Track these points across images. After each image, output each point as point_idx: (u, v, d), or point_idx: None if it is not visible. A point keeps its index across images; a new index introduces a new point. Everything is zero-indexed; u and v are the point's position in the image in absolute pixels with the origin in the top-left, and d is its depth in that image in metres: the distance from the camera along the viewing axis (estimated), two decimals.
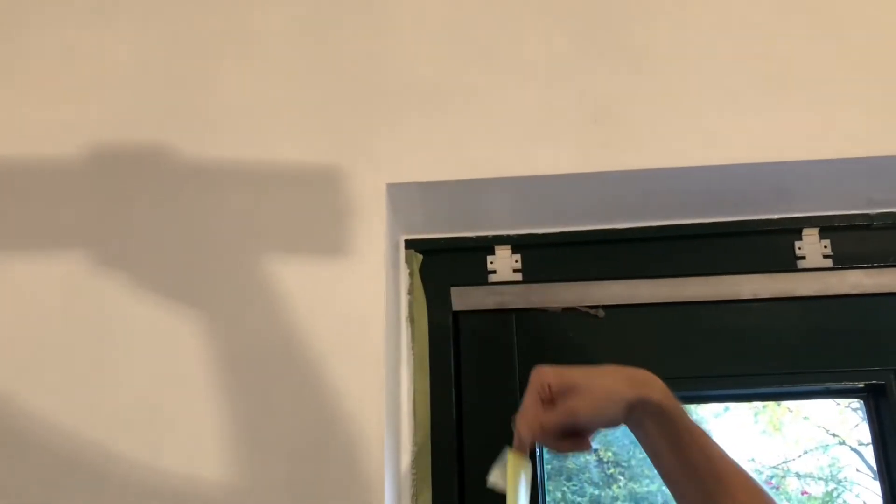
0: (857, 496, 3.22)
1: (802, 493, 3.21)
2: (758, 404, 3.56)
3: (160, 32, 1.01)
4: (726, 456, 0.74)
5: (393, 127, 0.94)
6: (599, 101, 0.93)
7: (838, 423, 3.37)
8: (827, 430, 3.52)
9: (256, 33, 1.00)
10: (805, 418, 3.59)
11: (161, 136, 0.96)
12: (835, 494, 3.20)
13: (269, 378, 0.87)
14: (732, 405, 3.55)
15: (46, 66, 1.02)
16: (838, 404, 3.52)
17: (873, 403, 0.97)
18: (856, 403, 3.42)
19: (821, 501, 3.15)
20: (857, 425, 3.39)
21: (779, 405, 3.59)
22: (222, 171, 0.94)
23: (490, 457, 0.95)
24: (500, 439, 0.95)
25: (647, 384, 0.74)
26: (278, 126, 0.96)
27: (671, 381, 0.97)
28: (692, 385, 0.98)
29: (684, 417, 0.74)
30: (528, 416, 0.71)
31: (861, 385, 0.96)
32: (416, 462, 0.94)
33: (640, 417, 0.72)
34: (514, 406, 0.90)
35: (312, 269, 0.90)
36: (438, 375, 0.99)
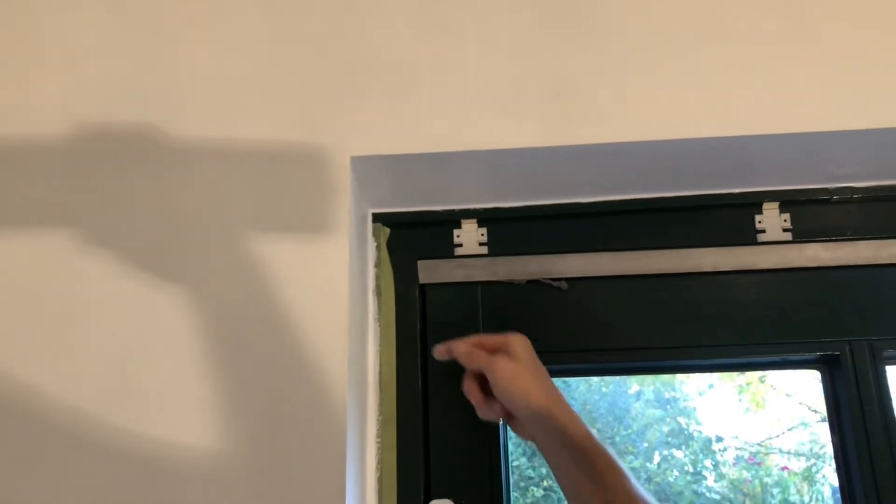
0: (834, 471, 3.25)
1: (782, 469, 3.26)
2: (741, 381, 3.60)
3: (127, 9, 1.02)
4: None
5: (358, 101, 0.95)
6: (562, 76, 0.94)
7: (821, 399, 3.40)
8: (809, 407, 3.56)
9: (221, 9, 1.01)
10: (788, 395, 3.64)
11: (128, 113, 0.97)
12: (814, 470, 3.25)
13: (238, 347, 0.88)
14: (716, 382, 3.59)
15: (13, 42, 1.02)
16: (821, 386, 3.55)
17: (829, 374, 0.99)
18: None
19: (800, 477, 3.20)
20: None
21: (762, 382, 3.63)
22: (190, 145, 0.95)
23: (455, 427, 0.98)
24: (464, 409, 0.97)
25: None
26: (244, 101, 0.97)
27: (633, 351, 1.00)
28: (653, 355, 1.00)
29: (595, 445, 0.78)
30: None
31: (817, 356, 0.98)
32: (381, 431, 0.96)
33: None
34: None
35: (280, 242, 0.92)
36: (405, 347, 1.01)
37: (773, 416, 3.36)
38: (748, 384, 3.44)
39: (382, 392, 0.98)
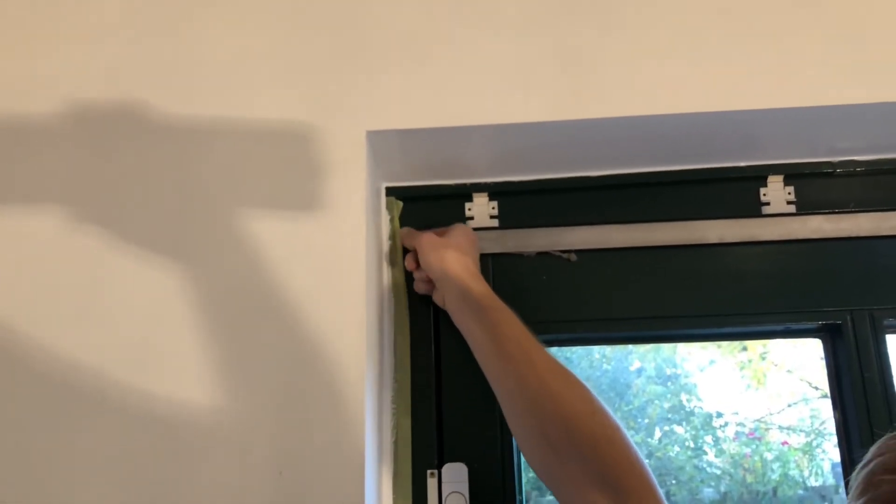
0: (834, 446, 3.29)
1: (783, 444, 3.29)
2: (743, 358, 3.63)
3: None
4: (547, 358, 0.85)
5: (372, 76, 0.97)
6: (570, 51, 0.96)
7: (821, 375, 3.42)
8: (810, 384, 3.59)
9: None
10: (789, 371, 3.67)
11: (142, 90, 0.99)
12: (814, 445, 3.29)
13: (256, 319, 0.91)
14: (718, 358, 3.62)
15: (27, 18, 1.04)
16: (822, 359, 3.57)
17: (830, 343, 1.02)
18: None
19: (800, 451, 3.24)
20: None
21: (763, 359, 3.66)
22: (204, 121, 0.97)
23: (468, 393, 1.00)
24: (476, 375, 1.00)
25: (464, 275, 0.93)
26: (260, 77, 0.99)
27: (640, 321, 1.03)
28: (660, 325, 1.03)
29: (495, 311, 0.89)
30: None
31: (819, 325, 1.01)
32: (396, 398, 0.99)
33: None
34: None
35: (296, 216, 0.94)
36: (418, 317, 1.03)
37: (774, 392, 3.39)
38: (749, 361, 3.47)
39: (397, 360, 1.00)
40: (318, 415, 0.88)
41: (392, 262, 1.04)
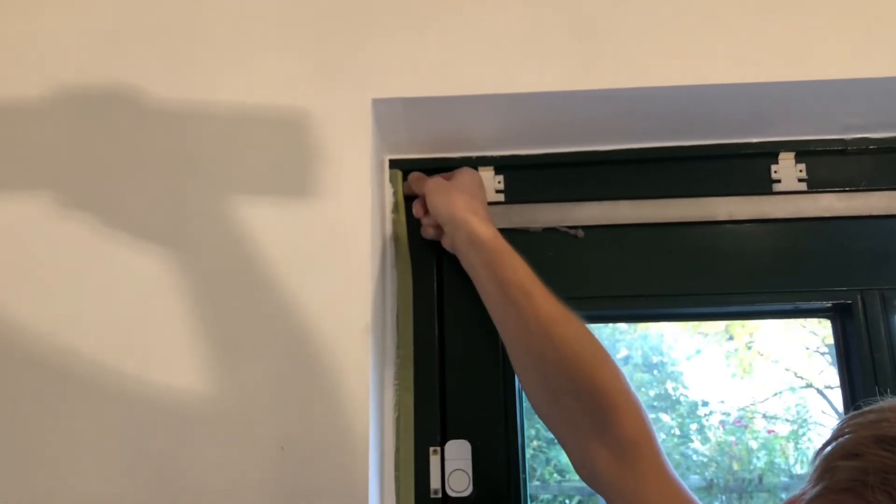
0: (819, 435, 3.33)
1: (769, 432, 3.31)
2: (730, 347, 3.63)
3: None
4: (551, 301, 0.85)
5: (378, 42, 0.94)
6: (584, 20, 0.94)
7: (806, 366, 3.46)
8: (795, 374, 3.61)
9: None
10: (775, 361, 3.68)
11: (142, 57, 0.95)
12: (800, 433, 3.31)
13: (257, 294, 0.88)
14: (704, 347, 3.62)
15: None
16: (807, 349, 3.60)
17: (840, 322, 1.01)
18: (824, 348, 3.51)
19: (786, 439, 3.26)
20: (822, 371, 3.48)
21: (749, 349, 3.67)
22: (208, 87, 0.94)
23: (471, 370, 0.98)
24: (480, 352, 0.98)
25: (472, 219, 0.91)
26: (264, 43, 0.95)
27: (647, 298, 1.01)
28: (668, 302, 1.01)
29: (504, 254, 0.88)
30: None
31: (829, 304, 1.00)
32: (399, 374, 0.97)
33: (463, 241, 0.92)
34: (493, 330, 0.93)
35: (299, 187, 0.91)
36: (421, 293, 1.01)
37: (760, 381, 3.41)
38: (735, 350, 3.49)
39: (400, 335, 0.98)
40: (321, 391, 0.85)
41: (396, 239, 1.01)
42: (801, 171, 1.01)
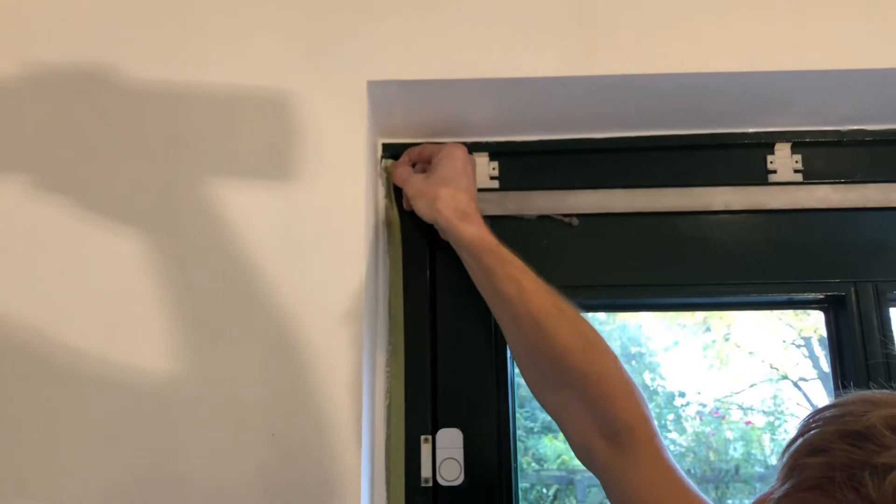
0: (794, 426, 3.37)
1: (746, 423, 3.34)
2: (707, 339, 3.65)
3: None
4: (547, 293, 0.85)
5: (375, 22, 0.92)
6: (583, 5, 0.92)
7: (782, 359, 3.49)
8: (772, 366, 3.65)
9: None
10: (751, 353, 3.71)
11: (131, 37, 0.92)
12: (776, 424, 3.34)
13: (248, 279, 0.86)
14: (682, 339, 3.63)
15: None
16: (784, 342, 3.63)
17: (833, 314, 1.01)
18: (800, 341, 3.54)
19: (762, 431, 3.29)
20: (797, 363, 3.52)
21: (726, 340, 3.69)
22: (199, 67, 0.92)
23: (463, 357, 0.97)
24: (472, 340, 0.97)
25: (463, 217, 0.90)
26: (255, 18, 0.93)
27: (641, 287, 1.00)
28: (662, 292, 1.00)
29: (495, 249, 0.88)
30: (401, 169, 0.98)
31: (822, 296, 0.99)
32: (390, 361, 0.95)
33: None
34: (486, 309, 0.92)
35: (292, 169, 0.89)
36: (413, 279, 0.99)
37: (737, 372, 3.44)
38: (713, 342, 3.51)
39: (392, 322, 0.96)
40: (312, 379, 0.84)
41: (389, 224, 0.99)
42: (796, 161, 1.01)
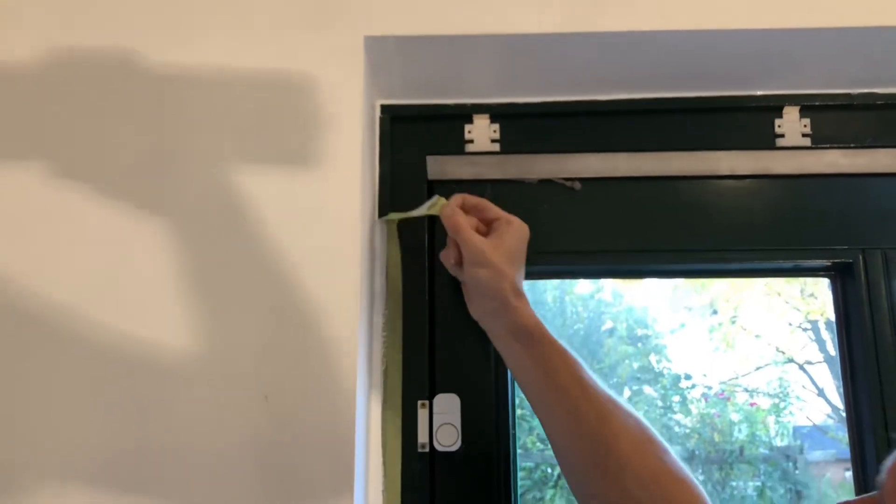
0: (801, 409, 3.35)
1: (751, 405, 3.33)
2: (714, 322, 3.63)
3: None
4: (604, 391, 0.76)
5: None
6: None
7: (789, 342, 3.47)
8: (778, 349, 3.63)
9: None
10: (757, 336, 3.70)
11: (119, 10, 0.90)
12: (781, 407, 3.33)
13: (243, 243, 0.84)
14: (688, 322, 3.61)
15: None
16: (790, 325, 3.61)
17: (840, 282, 0.99)
18: (807, 324, 3.52)
19: (767, 413, 3.28)
20: (804, 347, 3.50)
21: (733, 323, 3.68)
22: (183, 25, 0.90)
23: (460, 323, 0.95)
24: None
25: (519, 298, 0.81)
26: None
27: (644, 253, 0.98)
28: (665, 258, 0.98)
29: (552, 341, 0.78)
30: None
31: (829, 263, 0.97)
32: (386, 326, 0.93)
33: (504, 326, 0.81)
34: None
35: (285, 131, 0.87)
36: (411, 244, 0.97)
37: (742, 355, 3.43)
38: (720, 325, 3.49)
39: (389, 288, 0.95)
40: (307, 342, 0.82)
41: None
42: (805, 126, 0.98)
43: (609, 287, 3.44)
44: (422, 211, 0.86)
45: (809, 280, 3.35)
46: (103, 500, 0.79)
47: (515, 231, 0.84)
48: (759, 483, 2.92)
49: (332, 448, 0.80)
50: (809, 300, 3.40)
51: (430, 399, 0.93)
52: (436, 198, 0.85)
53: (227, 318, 0.83)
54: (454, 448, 0.91)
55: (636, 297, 3.41)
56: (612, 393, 0.77)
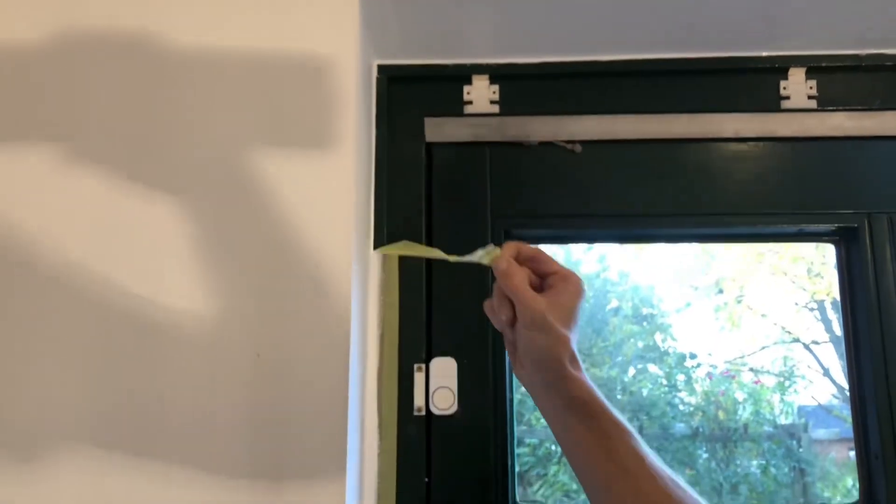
0: (805, 388, 3.34)
1: (755, 383, 3.32)
2: (719, 301, 3.61)
3: None
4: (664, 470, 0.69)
5: None
6: None
7: (795, 322, 3.46)
8: (783, 328, 3.61)
9: None
10: (763, 316, 3.68)
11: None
12: (786, 385, 3.32)
13: (237, 199, 0.83)
14: (694, 301, 3.60)
15: None
16: (796, 304, 3.60)
17: (845, 247, 0.97)
18: (812, 304, 3.50)
19: (772, 391, 3.27)
20: (809, 327, 3.48)
21: (739, 303, 3.66)
22: None
23: (457, 288, 0.94)
24: (467, 268, 0.93)
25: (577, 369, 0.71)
26: None
27: (646, 217, 0.96)
28: (668, 223, 0.96)
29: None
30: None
31: (834, 228, 0.96)
32: (383, 289, 0.92)
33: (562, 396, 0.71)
34: (483, 241, 0.89)
35: (280, 86, 0.85)
36: (409, 208, 0.96)
37: (748, 334, 3.41)
38: (725, 304, 3.48)
39: (385, 251, 0.93)
40: (301, 301, 0.81)
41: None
42: (811, 87, 0.96)
43: (615, 266, 3.43)
44: (474, 259, 0.75)
45: (816, 259, 3.33)
46: (95, 454, 0.78)
47: (573, 289, 0.74)
48: (763, 461, 2.91)
49: (324, 407, 0.78)
50: (816, 280, 3.38)
51: (427, 363, 0.92)
52: (491, 246, 0.75)
53: (222, 275, 0.81)
54: (451, 412, 0.90)
55: (642, 276, 3.39)
56: (668, 469, 0.70)
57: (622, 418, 0.70)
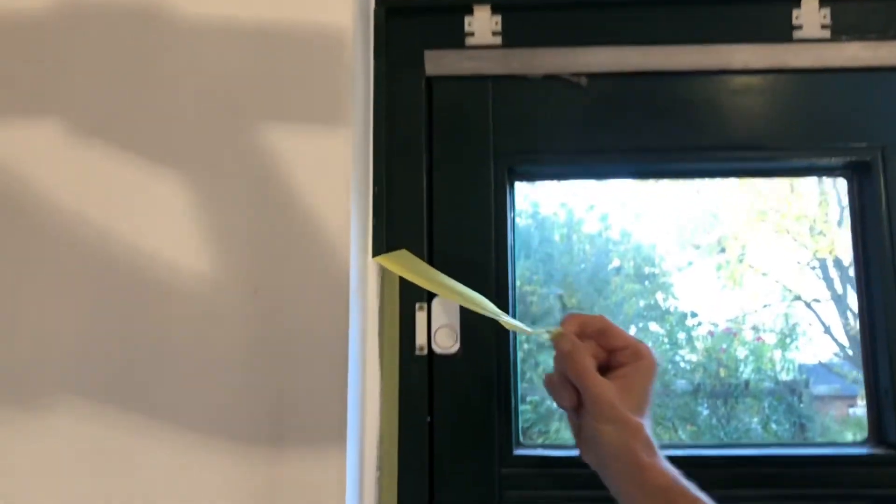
0: (806, 346, 3.34)
1: (757, 340, 3.32)
2: (721, 259, 3.62)
3: None
4: None
5: None
6: None
7: (796, 280, 3.46)
8: (784, 287, 3.62)
9: None
10: (764, 275, 3.69)
11: None
12: (788, 342, 3.32)
13: (231, 128, 0.81)
14: (696, 260, 3.61)
15: None
16: (798, 263, 3.60)
17: (856, 182, 0.94)
18: (815, 262, 3.50)
19: (773, 347, 3.27)
20: (812, 285, 3.49)
21: (741, 262, 3.66)
22: None
23: (459, 222, 0.92)
24: (469, 205, 0.91)
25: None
26: None
27: (653, 153, 0.94)
28: (675, 158, 0.94)
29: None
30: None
31: (846, 161, 0.93)
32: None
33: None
34: (485, 183, 0.86)
35: (275, 21, 0.82)
36: (408, 146, 0.94)
37: (750, 293, 3.40)
38: (727, 262, 3.46)
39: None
40: (299, 235, 0.79)
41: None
42: (824, 16, 0.93)
43: (617, 225, 3.41)
44: (535, 330, 0.71)
45: (818, 217, 3.31)
46: (91, 405, 0.76)
47: (647, 368, 0.67)
48: (763, 416, 2.92)
49: (322, 342, 0.77)
50: (818, 238, 3.36)
51: (429, 301, 0.90)
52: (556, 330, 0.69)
53: (214, 206, 0.79)
54: (453, 351, 0.89)
55: (644, 235, 3.38)
56: None
57: (702, 494, 0.63)
